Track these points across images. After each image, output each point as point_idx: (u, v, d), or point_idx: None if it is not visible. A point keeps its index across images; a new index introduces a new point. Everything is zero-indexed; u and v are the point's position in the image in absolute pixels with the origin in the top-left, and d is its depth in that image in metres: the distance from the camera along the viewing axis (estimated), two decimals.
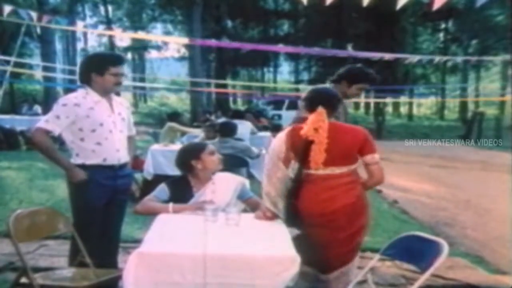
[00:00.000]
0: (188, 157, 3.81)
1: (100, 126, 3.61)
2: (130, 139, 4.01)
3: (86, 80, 3.71)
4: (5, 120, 14.50)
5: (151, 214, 3.52)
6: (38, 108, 16.03)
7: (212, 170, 3.82)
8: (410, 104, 43.74)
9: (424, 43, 38.69)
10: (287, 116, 26.01)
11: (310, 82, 35.84)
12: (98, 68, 3.62)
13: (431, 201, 9.11)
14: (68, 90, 31.50)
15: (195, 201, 3.68)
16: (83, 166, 3.64)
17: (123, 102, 3.92)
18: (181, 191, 3.74)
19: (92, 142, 3.61)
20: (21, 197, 7.63)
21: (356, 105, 51.05)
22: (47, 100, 23.26)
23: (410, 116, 42.93)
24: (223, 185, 3.77)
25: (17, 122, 14.62)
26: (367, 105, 46.94)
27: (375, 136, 19.08)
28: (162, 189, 3.77)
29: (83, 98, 3.63)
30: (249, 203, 3.82)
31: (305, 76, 41.73)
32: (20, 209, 3.57)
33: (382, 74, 24.25)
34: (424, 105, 52.08)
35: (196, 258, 2.65)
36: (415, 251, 3.06)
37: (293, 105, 26.48)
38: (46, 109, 18.15)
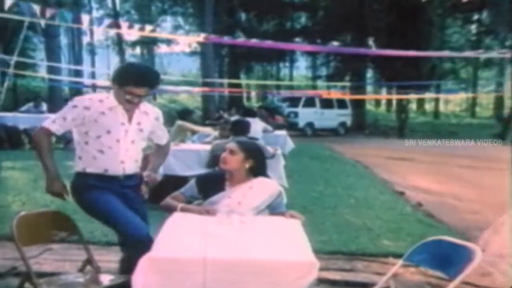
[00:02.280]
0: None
1: (107, 134, 3.61)
2: (160, 148, 4.10)
3: (112, 83, 3.78)
4: (8, 118, 14.62)
5: (167, 210, 3.65)
6: (43, 106, 16.14)
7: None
8: (437, 100, 43.38)
9: (454, 36, 38.24)
10: (304, 113, 25.99)
11: (329, 78, 35.76)
12: (119, 79, 3.65)
13: (460, 204, 9.03)
14: (73, 89, 31.75)
15: (215, 198, 3.72)
16: (83, 174, 3.64)
17: (150, 112, 3.87)
18: (214, 187, 3.81)
19: (94, 148, 3.61)
20: (25, 199, 7.71)
21: (377, 102, 50.87)
22: (52, 97, 23.48)
23: (436, 113, 42.63)
24: (259, 191, 3.79)
25: (20, 120, 14.72)
26: (389, 102, 46.71)
27: (396, 134, 19.09)
28: (190, 186, 3.89)
29: (98, 102, 3.64)
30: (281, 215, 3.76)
31: (323, 71, 41.67)
32: (23, 211, 3.60)
33: (405, 69, 24.22)
34: (452, 101, 51.61)
35: (209, 263, 2.65)
36: (443, 256, 3.02)
37: (310, 102, 26.43)
38: (51, 106, 18.31)
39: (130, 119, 3.70)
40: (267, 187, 3.84)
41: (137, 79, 3.61)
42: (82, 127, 3.62)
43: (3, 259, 5.07)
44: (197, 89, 24.41)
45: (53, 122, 3.61)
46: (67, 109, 3.62)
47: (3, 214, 6.71)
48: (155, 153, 4.11)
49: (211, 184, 3.86)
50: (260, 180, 3.88)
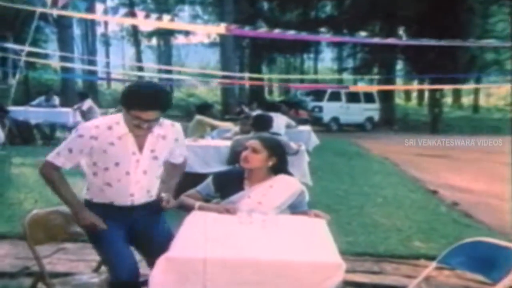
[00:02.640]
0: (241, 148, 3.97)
1: (115, 166, 3.42)
2: (175, 167, 3.82)
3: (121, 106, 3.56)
4: (19, 112, 14.76)
5: (185, 211, 3.65)
6: (56, 99, 16.30)
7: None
8: (476, 94, 42.69)
9: (498, 25, 37.38)
10: (329, 108, 25.91)
11: (355, 70, 35.55)
12: (124, 102, 3.39)
13: (501, 204, 8.87)
14: (87, 82, 32.02)
15: (234, 199, 3.74)
16: (89, 203, 3.54)
17: (168, 133, 3.61)
18: (232, 185, 3.83)
19: (102, 181, 3.46)
20: (37, 196, 7.81)
21: (407, 95, 50.44)
22: (65, 90, 23.71)
23: (475, 107, 42.04)
24: (280, 190, 3.80)
25: (32, 114, 14.86)
26: (420, 95, 46.26)
27: (429, 130, 18.77)
28: (207, 184, 3.91)
29: (107, 130, 3.42)
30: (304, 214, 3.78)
31: (349, 63, 41.40)
32: (35, 209, 3.65)
33: (440, 60, 23.81)
34: (495, 95, 50.79)
35: (229, 264, 2.67)
36: (484, 259, 2.98)
37: (335, 96, 26.31)
38: (64, 100, 18.50)
39: (141, 147, 3.48)
40: (289, 185, 3.85)
41: (143, 102, 3.31)
42: (89, 157, 3.45)
43: (15, 258, 5.17)
44: (217, 81, 24.42)
45: (58, 155, 3.41)
46: (72, 140, 3.41)
47: (14, 212, 6.83)
48: (168, 172, 3.78)
49: (229, 182, 3.88)
50: (281, 178, 3.89)
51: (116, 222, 3.44)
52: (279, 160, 3.90)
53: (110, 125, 3.43)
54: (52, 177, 3.43)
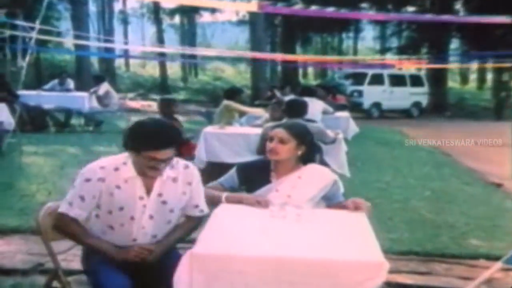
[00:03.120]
0: (266, 137, 3.99)
1: (119, 210, 3.42)
2: (190, 220, 3.66)
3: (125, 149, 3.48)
4: (30, 97, 14.86)
5: (209, 202, 3.66)
6: (70, 83, 16.42)
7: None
8: None
9: None
10: (370, 92, 25.67)
11: (401, 50, 35.01)
12: (133, 144, 3.35)
13: None
14: (103, 61, 32.26)
15: (261, 193, 3.75)
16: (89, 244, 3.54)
17: (180, 175, 3.55)
18: (257, 177, 3.86)
19: (104, 223, 3.47)
20: (50, 188, 7.95)
21: (463, 78, 49.64)
22: (80, 73, 23.93)
23: None
24: (310, 181, 3.81)
25: (44, 99, 14.95)
26: (481, 77, 45.40)
27: (491, 117, 18.17)
28: (230, 175, 3.95)
29: (113, 171, 3.41)
30: (340, 206, 3.76)
31: (393, 42, 40.89)
32: (49, 201, 3.70)
33: (507, 38, 22.98)
34: None
35: (261, 261, 2.70)
36: None
37: (377, 79, 26.08)
38: (79, 84, 18.66)
39: (149, 190, 3.45)
40: (319, 175, 3.86)
41: (159, 141, 3.28)
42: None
43: (27, 254, 5.28)
44: (249, 54, 24.23)
45: (70, 206, 3.39)
46: (81, 186, 3.38)
47: (26, 205, 6.95)
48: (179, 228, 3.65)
49: (254, 174, 3.91)
50: (310, 168, 3.91)
51: (118, 266, 3.39)
52: (308, 149, 3.92)
53: (117, 166, 3.42)
54: (72, 230, 3.42)
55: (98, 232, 3.48)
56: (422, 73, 28.50)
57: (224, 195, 3.73)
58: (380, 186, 9.01)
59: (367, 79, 26.09)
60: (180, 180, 3.52)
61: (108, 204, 3.39)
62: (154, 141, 3.27)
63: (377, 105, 26.18)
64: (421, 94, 27.45)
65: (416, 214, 7.29)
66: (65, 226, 3.41)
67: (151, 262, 3.37)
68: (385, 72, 26.60)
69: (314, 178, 3.83)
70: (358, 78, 26.41)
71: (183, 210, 3.60)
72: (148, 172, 3.36)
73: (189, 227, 3.64)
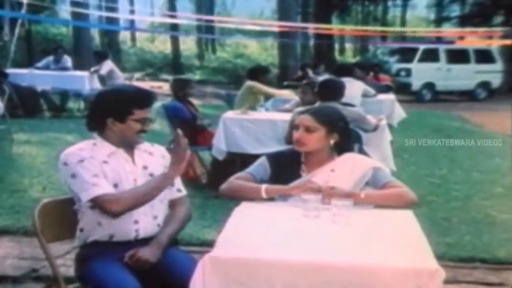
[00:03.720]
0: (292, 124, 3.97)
1: (114, 188, 3.53)
2: (177, 203, 3.85)
3: (97, 127, 3.68)
4: (21, 76, 14.93)
5: (239, 198, 3.69)
6: (67, 60, 16.47)
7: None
8: None
9: None
10: (421, 70, 25.25)
11: (463, 20, 34.29)
12: (118, 112, 3.58)
13: None
14: (105, 34, 32.40)
15: (301, 182, 3.77)
16: (83, 246, 3.64)
17: (153, 150, 3.82)
18: (287, 170, 3.88)
19: (100, 211, 3.52)
20: (45, 182, 8.07)
21: None
22: (78, 49, 24.04)
23: None
24: (345, 173, 3.82)
25: (37, 78, 15.03)
26: None
27: None
28: (261, 165, 3.96)
29: (92, 146, 3.62)
30: (388, 188, 3.77)
31: (453, 11, 40.07)
32: (44, 198, 3.79)
33: None
34: None
35: (291, 266, 2.71)
36: None
37: (430, 55, 25.70)
38: (78, 61, 18.74)
39: (134, 162, 3.68)
40: (355, 165, 3.87)
41: (140, 99, 3.63)
42: None
43: (18, 259, 5.34)
44: (276, 24, 24.20)
45: (95, 186, 3.44)
46: (82, 168, 3.46)
47: (17, 202, 7.05)
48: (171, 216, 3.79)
49: (284, 166, 3.93)
50: (345, 158, 3.92)
51: (116, 260, 3.47)
52: (342, 136, 3.93)
53: (94, 142, 3.65)
54: (123, 206, 3.45)
55: (93, 226, 3.58)
56: (494, 47, 27.24)
57: (263, 187, 3.73)
58: (433, 181, 8.99)
59: (418, 56, 25.69)
60: (155, 154, 3.80)
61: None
62: (146, 98, 3.62)
63: (429, 85, 25.76)
64: (490, 73, 26.47)
65: (481, 214, 7.26)
66: (116, 207, 3.42)
67: (154, 263, 3.45)
68: (442, 47, 26.02)
69: (349, 169, 3.84)
70: (406, 54, 26.12)
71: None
72: (135, 138, 3.65)
73: (180, 217, 3.77)
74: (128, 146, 3.66)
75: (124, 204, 3.43)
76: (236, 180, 3.84)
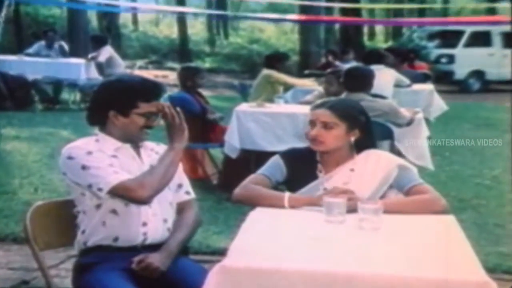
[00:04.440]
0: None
1: None
2: (185, 208, 3.86)
3: (98, 121, 3.71)
4: (9, 64, 14.96)
5: (257, 205, 3.66)
6: (63, 45, 16.48)
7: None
8: None
9: None
10: (467, 57, 24.56)
11: None
12: (121, 104, 3.61)
13: None
14: (104, 16, 32.45)
15: (304, 192, 3.76)
16: (83, 251, 3.66)
17: (159, 149, 3.82)
18: (302, 170, 3.88)
19: (107, 210, 3.57)
20: (37, 183, 8.13)
21: None
22: (73, 33, 24.11)
23: None
24: (366, 173, 3.82)
25: (28, 66, 15.08)
26: None
27: None
28: (276, 164, 3.94)
29: (95, 142, 3.67)
30: (413, 193, 3.74)
31: None
32: (36, 200, 3.85)
33: None
34: None
35: (313, 277, 2.72)
36: None
37: (480, 39, 25.12)
38: (73, 47, 18.78)
39: (142, 160, 3.72)
40: (376, 163, 3.86)
41: (146, 91, 3.64)
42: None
43: (7, 269, 5.35)
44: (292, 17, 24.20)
45: (115, 173, 3.49)
46: (92, 158, 3.52)
47: (6, 205, 7.10)
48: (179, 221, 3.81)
49: (300, 166, 3.92)
50: (365, 156, 3.90)
51: (118, 270, 3.48)
52: (363, 133, 3.90)
53: (97, 139, 3.67)
54: (150, 189, 3.48)
55: (96, 227, 3.58)
56: None
57: (286, 195, 3.69)
58: (481, 182, 8.97)
59: (463, 39, 25.40)
60: (161, 152, 3.73)
61: None
62: (153, 90, 3.65)
63: (478, 74, 25.30)
64: None
65: None
66: (143, 186, 3.45)
67: (162, 272, 3.45)
68: (496, 29, 25.26)
69: (371, 167, 3.83)
70: (449, 38, 25.79)
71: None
72: (139, 135, 3.65)
73: (188, 222, 3.77)
74: (133, 143, 3.69)
75: (150, 188, 3.45)
76: (252, 186, 3.80)
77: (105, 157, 3.52)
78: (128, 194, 3.44)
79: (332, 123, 3.79)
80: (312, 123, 3.86)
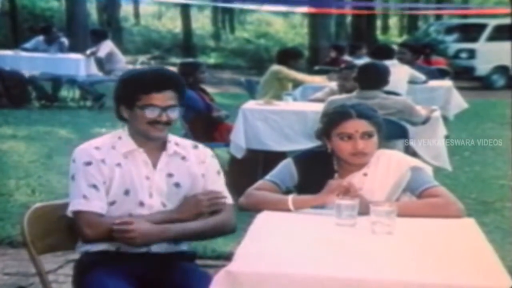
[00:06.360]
0: (327, 127, 3.93)
1: (125, 196, 3.57)
2: (218, 211, 3.74)
3: (119, 116, 3.70)
4: (5, 59, 14.97)
5: (262, 210, 3.66)
6: (62, 41, 16.46)
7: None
8: None
9: None
10: (489, 52, 24.35)
11: None
12: (125, 96, 3.61)
13: None
14: (103, 9, 32.47)
15: (331, 188, 3.70)
16: (86, 255, 3.66)
17: (188, 156, 3.73)
18: (316, 175, 3.84)
19: (108, 218, 3.54)
20: (34, 184, 8.13)
21: None
22: (72, 27, 24.17)
23: None
24: (378, 177, 3.83)
25: (24, 62, 15.09)
26: None
27: None
28: (287, 170, 3.94)
29: (111, 149, 3.61)
30: (426, 196, 3.73)
31: None
32: (33, 202, 3.84)
33: None
34: None
35: (322, 283, 2.73)
36: None
37: (505, 32, 25.02)
38: (71, 42, 18.79)
39: (155, 167, 3.64)
40: (390, 164, 3.86)
41: (154, 80, 3.58)
42: None
43: (3, 274, 5.31)
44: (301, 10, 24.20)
45: (86, 199, 3.47)
46: (84, 173, 3.52)
47: (2, 207, 7.11)
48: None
49: (314, 170, 3.91)
50: (376, 157, 3.90)
51: (121, 273, 3.49)
52: (381, 136, 3.91)
53: (113, 144, 3.63)
54: (98, 234, 3.46)
55: None
56: None
57: (290, 198, 3.71)
58: (505, 183, 8.91)
59: (486, 33, 25.20)
60: (191, 159, 3.70)
61: (110, 191, 3.54)
62: (149, 81, 3.55)
63: (501, 70, 24.88)
64: None
65: None
66: (99, 231, 3.44)
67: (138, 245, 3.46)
68: None
69: (383, 170, 3.83)
70: (469, 32, 25.64)
71: None
72: (149, 132, 3.56)
73: (213, 220, 3.67)
74: (149, 140, 3.62)
75: (100, 232, 3.44)
76: (256, 192, 3.82)
77: (101, 172, 3.50)
78: (79, 226, 3.46)
79: (371, 132, 3.80)
80: (350, 136, 3.79)
